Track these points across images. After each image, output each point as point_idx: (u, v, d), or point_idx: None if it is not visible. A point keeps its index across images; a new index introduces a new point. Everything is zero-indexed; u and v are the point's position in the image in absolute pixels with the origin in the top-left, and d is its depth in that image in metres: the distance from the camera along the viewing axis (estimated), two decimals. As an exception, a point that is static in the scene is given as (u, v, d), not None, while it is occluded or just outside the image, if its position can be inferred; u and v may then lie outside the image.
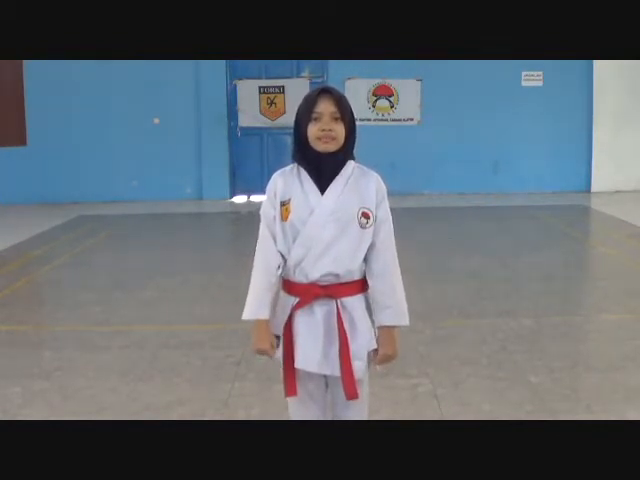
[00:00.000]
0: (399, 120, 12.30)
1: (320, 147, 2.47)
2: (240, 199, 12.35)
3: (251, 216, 10.29)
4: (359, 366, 2.53)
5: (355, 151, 2.57)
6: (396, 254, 2.56)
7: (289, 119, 12.39)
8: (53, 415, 3.80)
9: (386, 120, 12.28)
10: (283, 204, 2.51)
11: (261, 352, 2.55)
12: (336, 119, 2.46)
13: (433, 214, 10.48)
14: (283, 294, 2.58)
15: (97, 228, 9.78)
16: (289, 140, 11.87)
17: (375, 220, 2.52)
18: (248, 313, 2.54)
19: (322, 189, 2.50)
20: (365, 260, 2.54)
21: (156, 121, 12.22)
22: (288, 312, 2.53)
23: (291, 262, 2.51)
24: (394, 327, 2.56)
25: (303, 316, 2.52)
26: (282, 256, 2.52)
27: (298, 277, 2.51)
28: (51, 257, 7.92)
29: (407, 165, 12.05)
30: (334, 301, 2.51)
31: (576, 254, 7.85)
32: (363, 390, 2.59)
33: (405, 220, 9.78)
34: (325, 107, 2.45)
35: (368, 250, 2.53)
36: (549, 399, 3.91)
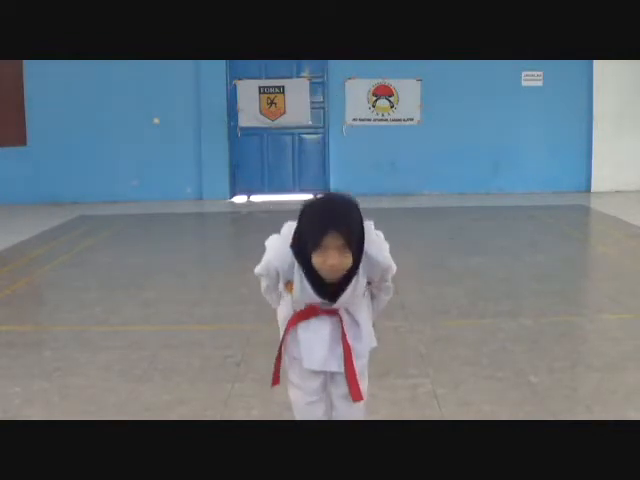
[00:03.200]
0: (399, 120, 12.29)
1: (326, 276, 2.38)
2: (240, 199, 12.35)
3: (251, 216, 10.30)
4: (361, 365, 2.55)
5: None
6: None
7: (289, 119, 12.42)
8: (53, 415, 3.79)
9: (386, 120, 12.27)
10: (286, 283, 2.51)
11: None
12: (343, 250, 2.31)
13: (433, 214, 10.46)
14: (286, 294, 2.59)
15: (97, 228, 9.78)
16: (289, 140, 11.87)
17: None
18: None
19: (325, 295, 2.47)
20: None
21: (156, 121, 12.22)
22: (291, 311, 2.55)
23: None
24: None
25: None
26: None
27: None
28: (51, 257, 7.92)
29: (407, 165, 12.04)
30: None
31: (576, 254, 7.85)
32: (362, 385, 2.61)
33: (405, 220, 9.79)
34: (331, 241, 2.28)
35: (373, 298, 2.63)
36: (549, 399, 3.91)
